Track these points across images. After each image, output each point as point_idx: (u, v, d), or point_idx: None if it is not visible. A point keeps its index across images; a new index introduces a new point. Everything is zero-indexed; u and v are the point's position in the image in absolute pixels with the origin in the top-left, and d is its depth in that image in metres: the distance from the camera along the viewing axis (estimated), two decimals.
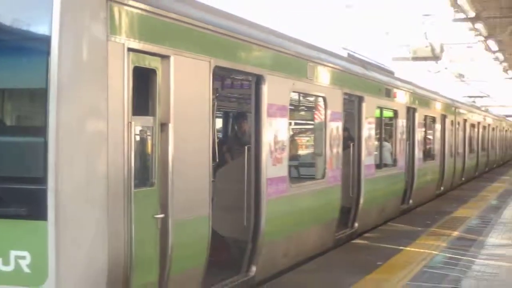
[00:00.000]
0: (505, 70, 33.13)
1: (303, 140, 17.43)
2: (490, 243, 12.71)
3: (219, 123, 12.13)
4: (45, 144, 5.65)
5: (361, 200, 13.37)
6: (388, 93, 15.71)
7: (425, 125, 20.19)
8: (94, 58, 5.94)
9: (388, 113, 16.48)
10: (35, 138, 5.87)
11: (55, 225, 5.59)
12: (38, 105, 5.90)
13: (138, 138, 6.64)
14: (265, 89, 9.07)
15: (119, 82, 6.16)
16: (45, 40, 5.68)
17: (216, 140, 8.71)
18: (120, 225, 6.16)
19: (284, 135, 9.75)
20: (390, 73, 17.68)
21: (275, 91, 9.41)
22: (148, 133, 6.77)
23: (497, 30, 23.77)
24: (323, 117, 11.67)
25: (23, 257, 5.67)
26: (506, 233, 13.96)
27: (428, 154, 20.89)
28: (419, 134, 18.93)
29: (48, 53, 5.67)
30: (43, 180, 5.63)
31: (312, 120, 13.28)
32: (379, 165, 15.24)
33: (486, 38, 22.68)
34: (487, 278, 9.68)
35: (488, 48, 25.59)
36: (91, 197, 5.91)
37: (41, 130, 5.70)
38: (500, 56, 27.98)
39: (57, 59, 5.65)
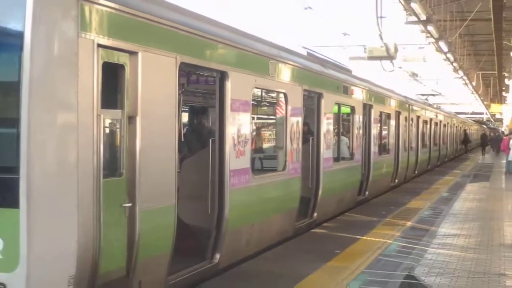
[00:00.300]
0: (456, 70, 33.83)
1: (265, 134, 17.69)
2: (441, 233, 12.99)
3: (185, 117, 12.28)
4: (18, 135, 5.75)
5: (320, 191, 13.63)
6: (346, 90, 16.00)
7: (380, 121, 20.52)
8: (65, 53, 6.10)
9: (345, 109, 16.71)
10: (8, 129, 5.97)
11: (27, 212, 5.70)
12: (11, 98, 5.94)
13: (107, 130, 6.81)
14: (228, 85, 9.28)
15: (89, 77, 6.34)
16: (18, 36, 5.79)
17: (182, 133, 8.91)
18: (89, 213, 6.32)
19: (247, 129, 9.99)
20: (347, 71, 17.96)
21: (238, 87, 9.63)
22: (117, 126, 6.94)
23: (447, 33, 24.42)
24: (284, 112, 11.92)
25: None
26: (457, 224, 14.30)
27: (383, 149, 21.23)
28: (374, 129, 19.26)
29: (21, 48, 5.78)
30: (15, 169, 5.73)
31: (274, 115, 13.52)
32: (337, 158, 15.50)
33: (437, 39, 23.25)
34: (439, 266, 9.93)
35: (439, 49, 26.18)
36: (62, 186, 6.06)
37: (14, 122, 5.79)
38: (451, 56, 28.61)
39: (30, 54, 5.76)
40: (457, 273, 9.52)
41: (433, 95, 49.04)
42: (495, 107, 60.33)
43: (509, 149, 29.39)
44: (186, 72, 10.99)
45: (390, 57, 21.39)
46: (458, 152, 51.52)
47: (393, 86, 29.98)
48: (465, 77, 38.18)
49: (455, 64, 31.20)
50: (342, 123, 16.90)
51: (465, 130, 56.46)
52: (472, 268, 9.88)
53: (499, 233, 13.26)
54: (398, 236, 12.46)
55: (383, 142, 21.37)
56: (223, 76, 9.28)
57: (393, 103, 22.57)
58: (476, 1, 24.15)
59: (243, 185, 9.81)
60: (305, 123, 13.51)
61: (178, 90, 8.18)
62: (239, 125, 9.68)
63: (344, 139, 16.78)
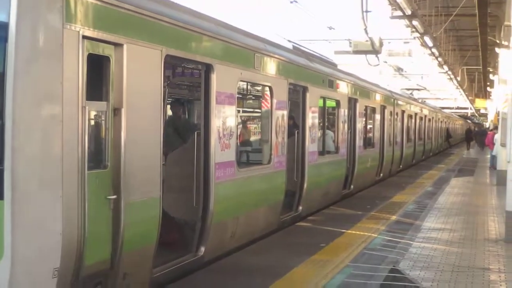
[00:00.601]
0: (440, 65, 33.98)
1: (251, 127, 17.70)
2: (426, 227, 13.05)
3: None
4: (2, 127, 5.72)
5: (305, 185, 13.66)
6: (331, 84, 16.03)
7: (365, 115, 20.60)
8: (50, 44, 6.07)
9: (331, 103, 16.74)
10: None
11: (11, 204, 5.68)
12: None
13: (91, 122, 6.82)
14: (214, 77, 9.28)
15: (74, 69, 6.32)
16: (3, 27, 5.77)
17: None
18: (74, 205, 6.31)
19: (232, 122, 9.99)
20: (333, 65, 18.00)
21: (224, 80, 9.63)
22: (102, 118, 6.94)
23: (432, 28, 24.51)
24: (269, 105, 11.94)
25: None
26: (441, 218, 14.37)
27: (368, 142, 21.30)
28: (360, 123, 19.31)
29: (5, 39, 5.76)
30: None
31: (259, 108, 13.53)
32: (322, 152, 15.52)
33: (422, 34, 23.35)
34: (423, 260, 9.98)
35: (424, 44, 26.30)
36: (46, 178, 6.04)
37: None
38: (435, 51, 28.73)
39: (14, 45, 5.74)
40: (442, 267, 9.56)
41: (418, 89, 49.29)
42: (479, 102, 60.65)
43: (493, 144, 29.54)
44: (172, 64, 10.96)
45: (375, 51, 21.45)
46: (443, 147, 51.81)
47: (378, 80, 30.08)
48: (450, 72, 38.35)
49: (440, 59, 31.32)
50: (328, 117, 16.93)
51: (447, 128, 56.79)
52: (457, 262, 9.93)
53: (483, 227, 13.35)
54: (383, 230, 12.51)
55: (368, 136, 21.45)
56: (208, 68, 9.27)
57: (378, 97, 22.64)
58: None
59: (228, 178, 9.81)
60: (290, 117, 13.52)
61: (164, 82, 8.16)
62: (224, 118, 9.68)
63: (330, 133, 16.82)
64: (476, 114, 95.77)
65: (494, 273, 9.36)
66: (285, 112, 12.53)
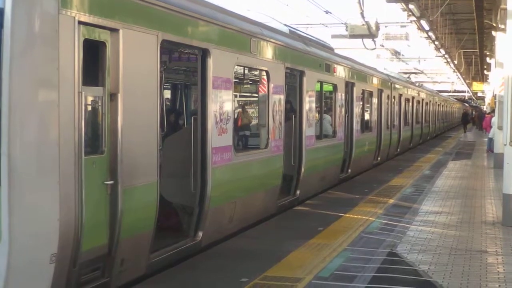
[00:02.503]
0: (437, 49, 33.90)
1: (248, 111, 17.69)
2: (423, 211, 13.08)
3: (167, 94, 12.29)
4: None
5: (303, 169, 13.66)
6: (328, 68, 16.00)
7: (362, 99, 20.55)
8: (45, 30, 6.06)
9: (328, 87, 16.78)
10: None
11: (8, 190, 5.69)
12: None
13: (88, 107, 6.81)
14: (210, 62, 9.27)
15: (70, 54, 6.31)
16: None
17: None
18: (71, 190, 6.32)
19: (229, 107, 9.98)
20: (330, 49, 17.96)
21: (220, 65, 9.61)
22: (98, 103, 6.93)
23: (429, 11, 24.43)
24: (266, 90, 11.92)
25: None
26: (438, 201, 14.40)
27: (365, 126, 21.28)
28: (357, 107, 19.30)
29: (1, 25, 5.74)
30: None
31: (256, 92, 13.53)
32: (319, 136, 15.53)
33: (419, 18, 23.28)
34: (421, 243, 10.00)
35: (420, 28, 26.23)
36: (43, 163, 6.05)
37: None
38: (432, 35, 28.66)
39: (10, 30, 5.73)
40: (439, 250, 9.58)
41: (415, 73, 49.31)
42: (477, 86, 60.61)
43: (490, 127, 29.58)
44: (168, 49, 10.93)
45: (371, 35, 21.43)
46: (441, 130, 51.88)
47: (376, 64, 30.03)
48: (446, 56, 38.28)
49: (436, 43, 31.24)
50: (325, 101, 16.93)
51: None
52: (454, 245, 9.96)
53: (480, 210, 13.38)
54: (381, 214, 12.53)
55: (365, 120, 21.44)
56: (204, 53, 9.26)
57: (375, 81, 22.62)
58: None
59: (225, 163, 9.82)
60: (287, 101, 13.51)
61: (160, 67, 8.14)
62: (221, 102, 9.67)
63: (327, 117, 16.83)
64: (474, 98, 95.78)
65: (492, 256, 9.39)
66: (282, 97, 12.51)
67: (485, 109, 64.04)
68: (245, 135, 14.00)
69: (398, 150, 28.00)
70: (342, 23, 26.83)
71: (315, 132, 14.96)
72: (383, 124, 23.66)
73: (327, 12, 26.67)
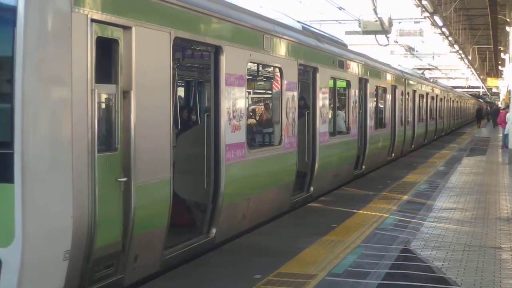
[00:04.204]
0: (451, 44, 33.75)
1: (261, 108, 17.67)
2: (437, 207, 13.01)
3: (180, 91, 12.30)
4: (12, 110, 5.74)
5: (316, 166, 13.64)
6: (341, 65, 15.97)
7: (376, 95, 20.53)
8: (58, 28, 6.08)
9: (341, 84, 16.73)
10: (1, 104, 5.97)
11: (21, 187, 5.71)
12: (5, 73, 5.95)
13: (101, 105, 6.83)
14: (223, 59, 9.29)
15: (82, 52, 6.33)
16: (12, 11, 5.78)
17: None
18: (84, 188, 6.34)
19: (242, 104, 9.99)
20: (343, 45, 17.94)
21: (233, 62, 9.62)
22: (111, 100, 6.95)
23: (442, 7, 24.33)
24: (279, 86, 11.91)
25: None
26: (453, 197, 14.33)
27: (379, 123, 21.24)
28: (370, 104, 19.27)
29: (14, 23, 5.77)
30: (9, 144, 5.73)
31: (270, 89, 13.53)
32: (333, 133, 15.51)
33: (432, 14, 23.20)
34: (435, 239, 9.97)
35: (434, 24, 26.13)
36: (56, 161, 6.07)
37: (8, 97, 5.79)
38: (446, 31, 28.55)
39: (23, 28, 5.76)
40: (453, 247, 9.55)
41: (429, 69, 49.06)
42: (491, 81, 60.28)
43: (505, 122, 29.39)
44: (181, 46, 10.94)
45: (384, 31, 21.37)
46: (455, 126, 51.65)
47: (390, 60, 29.90)
48: (460, 51, 38.11)
49: (450, 38, 31.11)
50: (338, 98, 16.89)
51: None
52: (468, 242, 9.92)
53: (495, 206, 13.32)
54: (394, 210, 12.49)
55: (379, 116, 21.38)
56: (217, 50, 9.25)
57: (389, 77, 22.55)
58: None
59: (238, 160, 9.82)
60: (301, 98, 13.50)
61: (173, 64, 8.15)
62: (234, 99, 9.67)
63: (340, 114, 16.79)
64: (488, 93, 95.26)
65: (506, 252, 9.35)
66: (295, 93, 12.50)
67: (499, 104, 63.65)
68: (258, 132, 13.97)
69: (413, 146, 27.90)
70: (355, 20, 26.74)
71: (329, 128, 14.93)
72: (397, 120, 23.57)
73: (340, 8, 26.60)
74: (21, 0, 5.78)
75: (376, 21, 20.49)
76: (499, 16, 26.43)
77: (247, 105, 10.83)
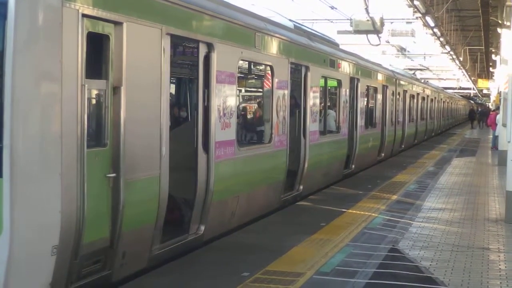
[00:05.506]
0: (443, 45, 33.82)
1: (251, 106, 17.64)
2: (426, 207, 13.08)
3: (171, 88, 12.23)
4: (1, 105, 5.73)
5: (306, 164, 13.66)
6: (333, 64, 15.98)
7: (367, 95, 20.53)
8: (49, 23, 6.07)
9: (332, 83, 16.74)
10: None
11: (10, 181, 5.70)
12: None
13: (91, 100, 6.82)
14: (214, 57, 9.29)
15: (73, 47, 6.32)
16: (2, 5, 5.75)
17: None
18: (73, 183, 6.33)
19: (232, 101, 9.99)
20: (334, 45, 17.95)
21: (224, 59, 9.61)
22: (101, 96, 6.94)
23: (434, 8, 24.37)
24: (270, 85, 11.92)
25: None
26: (442, 198, 14.40)
27: (370, 122, 21.26)
28: (361, 103, 19.27)
29: (5, 17, 5.75)
30: None
31: (261, 87, 13.52)
32: (324, 132, 15.53)
33: (424, 14, 23.24)
34: (423, 239, 10.01)
35: (426, 24, 26.18)
36: (45, 155, 6.06)
37: None
38: (437, 31, 28.61)
39: (14, 23, 5.74)
40: (441, 247, 9.59)
41: (420, 69, 49.13)
42: (482, 83, 60.45)
43: (495, 124, 29.50)
44: (173, 43, 10.89)
45: (376, 31, 21.38)
46: (445, 127, 51.79)
47: (381, 60, 29.92)
48: (452, 52, 38.20)
49: (441, 39, 31.17)
50: (329, 97, 16.90)
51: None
52: (456, 242, 9.96)
53: (483, 207, 13.37)
54: (383, 210, 12.53)
55: (369, 116, 21.41)
56: (209, 47, 9.24)
57: (380, 77, 22.59)
58: None
59: (228, 157, 9.82)
60: (292, 96, 13.49)
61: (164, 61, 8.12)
62: (224, 97, 9.66)
63: (331, 113, 16.79)
64: (479, 95, 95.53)
65: (494, 253, 9.39)
66: (286, 92, 12.51)
67: (490, 106, 63.89)
68: (248, 130, 13.94)
69: (402, 146, 27.97)
70: (347, 19, 26.76)
71: (319, 127, 14.94)
72: (387, 120, 23.63)
73: (332, 7, 26.57)
74: None
75: (368, 20, 20.50)
76: (491, 18, 26.49)
77: (237, 103, 10.82)
